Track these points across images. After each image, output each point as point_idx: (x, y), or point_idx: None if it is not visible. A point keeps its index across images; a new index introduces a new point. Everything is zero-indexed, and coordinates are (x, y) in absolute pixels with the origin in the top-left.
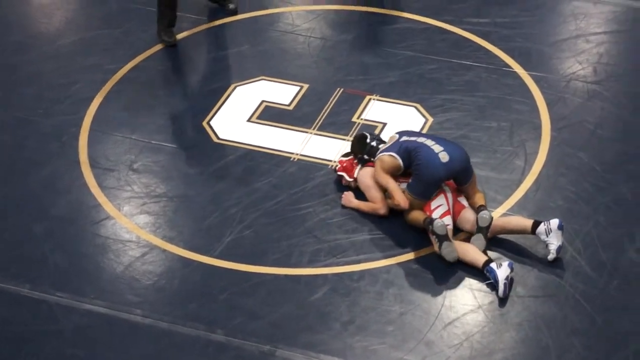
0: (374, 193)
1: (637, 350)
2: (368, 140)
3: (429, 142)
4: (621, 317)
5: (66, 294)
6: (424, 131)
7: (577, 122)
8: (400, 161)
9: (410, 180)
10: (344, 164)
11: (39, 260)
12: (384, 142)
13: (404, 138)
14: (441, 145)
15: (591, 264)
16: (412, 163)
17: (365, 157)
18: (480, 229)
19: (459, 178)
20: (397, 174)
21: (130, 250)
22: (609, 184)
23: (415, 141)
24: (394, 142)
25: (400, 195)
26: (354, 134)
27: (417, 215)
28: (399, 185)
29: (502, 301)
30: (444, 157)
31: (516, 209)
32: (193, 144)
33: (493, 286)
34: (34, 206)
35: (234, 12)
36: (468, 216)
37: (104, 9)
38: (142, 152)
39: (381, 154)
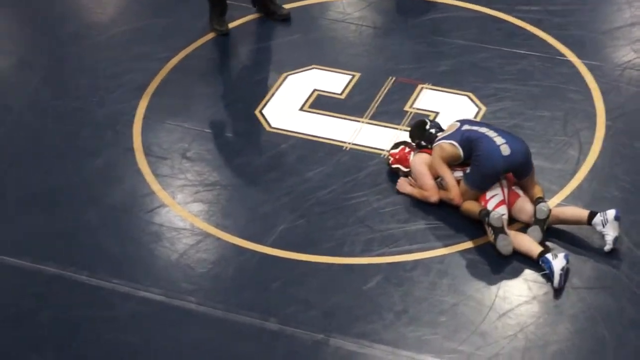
0: (427, 180)
1: None
2: (427, 127)
3: (491, 134)
4: None
5: (122, 281)
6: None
7: (632, 111)
8: (461, 151)
9: (467, 171)
10: (397, 156)
11: (94, 248)
12: (442, 129)
13: (466, 127)
14: (503, 137)
15: None
16: (472, 154)
17: (423, 143)
18: (538, 221)
19: (519, 172)
20: (455, 164)
21: (184, 238)
22: None
23: (477, 131)
24: (455, 130)
25: (456, 191)
26: (408, 122)
27: (472, 206)
28: (454, 173)
29: (557, 292)
30: (505, 150)
31: (571, 200)
32: (245, 133)
33: (548, 277)
34: (88, 195)
35: (287, 18)
36: (524, 206)
37: None
38: (195, 140)
39: (441, 141)
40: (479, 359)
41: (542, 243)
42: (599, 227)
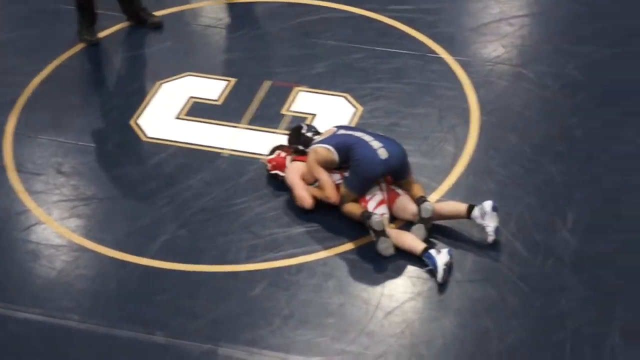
0: (298, 191)
1: (575, 329)
2: (303, 131)
3: (367, 138)
4: (558, 298)
5: (0, 303)
6: (355, 121)
7: (504, 105)
8: (336, 155)
9: (346, 175)
10: (274, 162)
11: None
12: (319, 133)
13: (342, 132)
14: (380, 141)
15: (526, 246)
16: (349, 159)
17: (300, 147)
18: (422, 220)
19: (397, 174)
20: (330, 167)
21: (62, 255)
22: (538, 165)
23: (352, 135)
24: (331, 135)
25: (331, 190)
26: (285, 126)
27: (353, 208)
28: (332, 176)
29: (441, 287)
30: (383, 153)
31: (449, 195)
32: (121, 144)
33: (432, 272)
34: None
35: (159, 26)
36: (405, 204)
37: (22, 9)
38: (69, 154)
39: (316, 145)
40: (367, 359)
41: (425, 240)
42: (478, 220)
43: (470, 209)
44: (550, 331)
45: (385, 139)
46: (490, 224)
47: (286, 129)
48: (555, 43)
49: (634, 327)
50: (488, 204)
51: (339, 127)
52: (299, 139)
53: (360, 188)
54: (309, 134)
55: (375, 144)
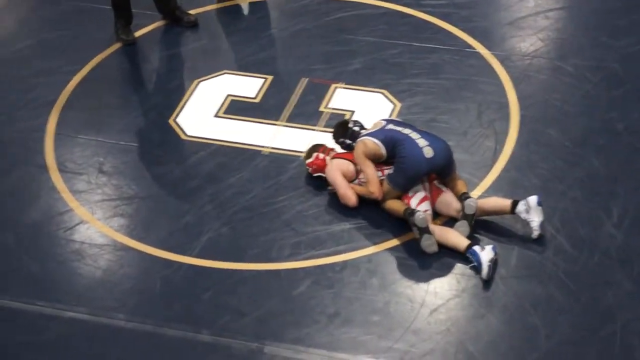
0: (341, 189)
1: (624, 324)
2: (350, 125)
3: (414, 135)
4: (605, 292)
5: (46, 302)
6: (393, 117)
7: (543, 99)
8: (384, 150)
9: (391, 171)
10: (314, 166)
11: (14, 270)
12: (364, 127)
13: (390, 126)
14: (426, 139)
15: (571, 241)
16: (395, 155)
17: (348, 141)
18: (466, 216)
19: (442, 172)
20: (377, 161)
21: (106, 254)
22: (580, 158)
23: (400, 132)
24: (379, 129)
25: (376, 185)
26: (324, 123)
27: (395, 205)
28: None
29: (486, 284)
30: (428, 152)
31: (491, 191)
32: (161, 143)
33: (476, 269)
34: (3, 216)
35: (195, 24)
36: (448, 200)
37: (57, 9)
38: (110, 154)
39: (364, 138)
40: (414, 356)
41: (468, 236)
42: (523, 215)
43: (515, 204)
44: (598, 327)
45: (432, 137)
46: (536, 218)
47: (325, 126)
48: (592, 36)
49: None
50: (533, 199)
51: (388, 121)
52: (346, 134)
53: (404, 185)
54: (356, 128)
55: (422, 142)
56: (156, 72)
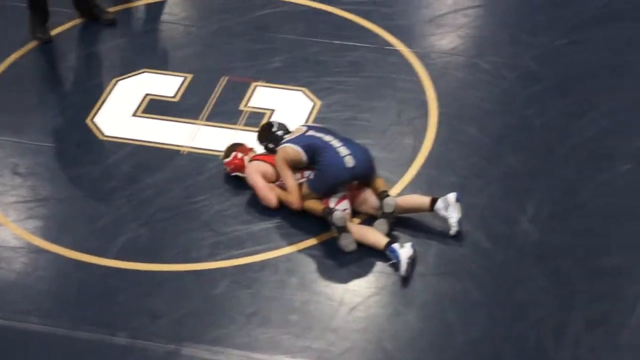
0: (261, 191)
1: (537, 318)
2: (274, 129)
3: (336, 143)
4: (520, 288)
5: None
6: (312, 116)
7: (462, 97)
8: (305, 157)
9: (311, 177)
10: (232, 165)
11: None
12: (289, 131)
13: (311, 132)
14: (348, 148)
15: (488, 237)
16: (316, 161)
17: (271, 145)
18: (385, 214)
19: (363, 180)
20: (298, 167)
21: (20, 257)
22: (498, 156)
23: (321, 139)
24: (300, 135)
25: (295, 196)
26: (244, 122)
27: (314, 205)
28: (295, 175)
29: (405, 281)
30: (349, 161)
31: (410, 188)
32: (78, 143)
33: (396, 267)
34: None
35: (113, 22)
36: (366, 198)
37: None
38: (25, 155)
39: (285, 144)
40: (332, 355)
41: (387, 234)
42: (442, 212)
43: (434, 201)
44: (514, 322)
45: (353, 146)
46: (454, 215)
47: (245, 125)
48: (511, 34)
49: (596, 317)
50: (452, 195)
51: (309, 127)
52: (269, 137)
53: (323, 192)
54: (279, 133)
55: (343, 151)
56: (74, 71)
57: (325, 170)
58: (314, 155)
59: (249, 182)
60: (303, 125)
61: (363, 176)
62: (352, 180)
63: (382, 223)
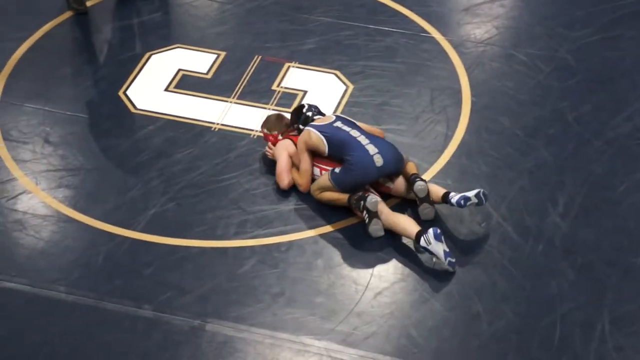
0: (281, 166)
1: (564, 313)
2: (304, 110)
3: (363, 140)
4: (548, 282)
5: None
6: (345, 99)
7: (496, 86)
8: (327, 148)
9: (338, 172)
10: (270, 138)
11: None
12: (321, 113)
13: (339, 124)
14: (375, 146)
15: (517, 230)
16: (341, 156)
17: (301, 127)
18: (422, 200)
19: (391, 176)
20: (318, 156)
21: (50, 225)
22: (530, 148)
23: (349, 133)
24: (327, 123)
25: (306, 179)
26: (276, 102)
27: (336, 195)
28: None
29: (431, 269)
30: (378, 160)
31: (441, 176)
32: (110, 115)
33: (422, 254)
34: None
35: None
36: (395, 181)
37: None
38: (57, 124)
39: (310, 128)
40: (357, 339)
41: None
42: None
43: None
44: (540, 315)
45: (381, 143)
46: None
47: (277, 105)
48: (547, 26)
49: (623, 312)
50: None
51: (337, 118)
52: (299, 119)
53: (349, 189)
54: (309, 114)
55: (372, 149)
56: (108, 43)
57: (354, 168)
58: (340, 149)
59: (275, 154)
60: (333, 115)
61: (392, 173)
62: (380, 177)
63: (426, 207)
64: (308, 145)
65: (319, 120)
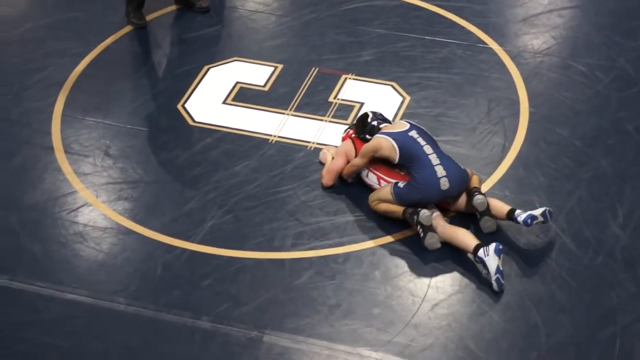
0: (328, 168)
1: (624, 325)
2: (369, 120)
3: (434, 159)
4: (608, 293)
5: (46, 283)
6: (401, 111)
7: (554, 97)
8: (398, 156)
9: (401, 187)
10: (345, 136)
11: (15, 251)
12: (388, 120)
13: (413, 133)
14: (445, 168)
15: (576, 241)
16: (408, 171)
17: (368, 137)
18: (482, 214)
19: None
20: (380, 161)
21: (109, 237)
22: (589, 158)
23: (422, 148)
24: (402, 131)
25: (331, 179)
26: (333, 114)
27: (392, 207)
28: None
29: (489, 281)
30: (445, 184)
31: (498, 187)
32: (168, 128)
33: (480, 266)
34: (7, 196)
35: (206, 10)
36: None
37: None
38: (117, 137)
39: (384, 136)
40: (414, 351)
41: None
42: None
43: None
44: (599, 327)
45: (450, 166)
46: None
47: (334, 117)
48: (605, 36)
49: None
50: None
51: (412, 126)
52: (365, 129)
53: (409, 205)
54: (375, 123)
55: (440, 171)
56: (166, 56)
57: (418, 187)
58: (407, 161)
59: (335, 151)
60: (406, 121)
61: (453, 197)
62: (442, 200)
63: (487, 221)
64: (376, 154)
65: (390, 127)
